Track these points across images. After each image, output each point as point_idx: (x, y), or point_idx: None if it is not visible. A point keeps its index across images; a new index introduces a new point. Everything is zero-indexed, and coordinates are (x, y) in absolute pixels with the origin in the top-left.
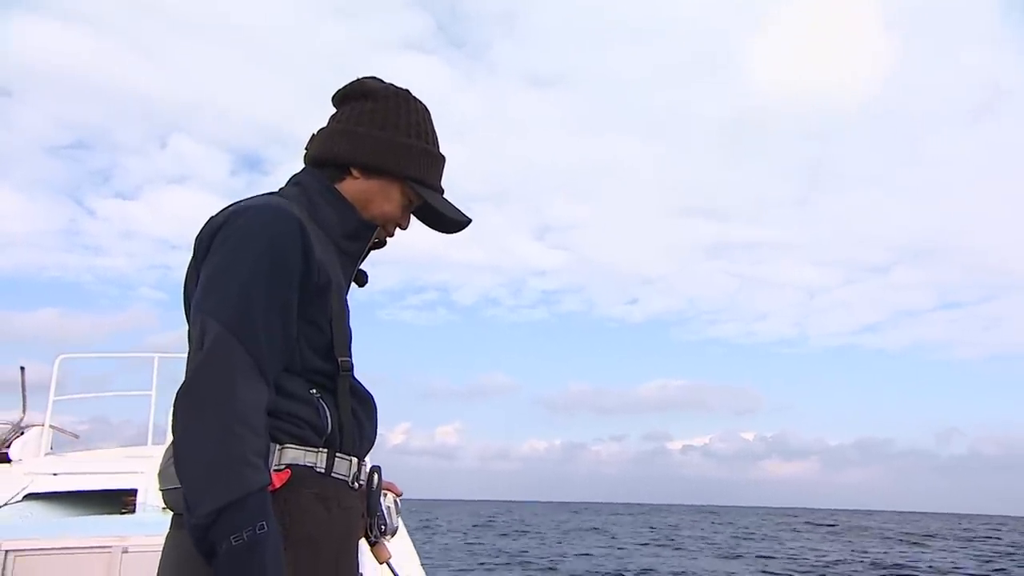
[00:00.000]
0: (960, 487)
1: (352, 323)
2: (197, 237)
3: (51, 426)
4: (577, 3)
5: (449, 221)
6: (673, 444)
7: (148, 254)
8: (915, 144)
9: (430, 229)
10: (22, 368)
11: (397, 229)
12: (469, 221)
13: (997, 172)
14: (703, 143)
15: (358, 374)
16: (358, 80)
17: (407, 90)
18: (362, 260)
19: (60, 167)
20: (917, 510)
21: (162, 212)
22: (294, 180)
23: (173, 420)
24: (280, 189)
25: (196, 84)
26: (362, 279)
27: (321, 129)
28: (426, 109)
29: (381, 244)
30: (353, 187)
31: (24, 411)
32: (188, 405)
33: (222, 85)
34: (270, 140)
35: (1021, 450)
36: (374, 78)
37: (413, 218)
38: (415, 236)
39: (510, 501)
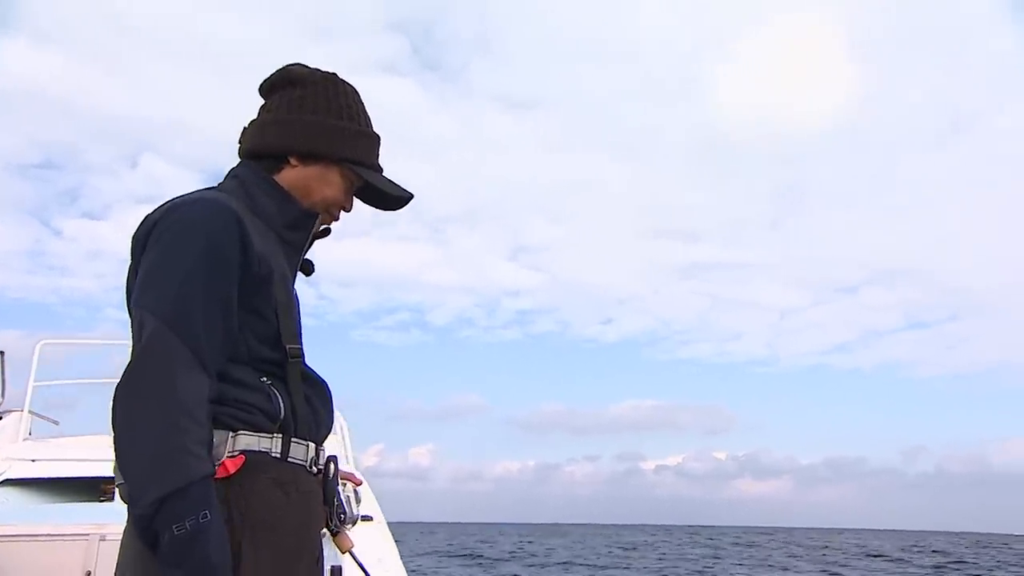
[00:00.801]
0: (928, 505)
1: (325, 344)
2: (133, 236)
3: (30, 412)
4: (550, 26)
5: (391, 198)
6: (646, 464)
7: (116, 274)
8: (883, 167)
9: (374, 208)
10: (1, 353)
11: (342, 212)
12: (411, 196)
13: (962, 195)
14: (676, 164)
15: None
16: (284, 68)
17: (334, 73)
18: (307, 250)
19: (27, 187)
20: (887, 528)
21: (131, 232)
22: (232, 173)
23: (113, 413)
24: (219, 184)
25: (168, 104)
26: (308, 268)
27: (252, 121)
28: (355, 91)
29: (326, 232)
30: (292, 175)
31: (3, 396)
32: (127, 398)
33: (194, 105)
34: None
35: (985, 467)
36: (300, 64)
37: (358, 201)
38: (390, 259)
39: (484, 523)
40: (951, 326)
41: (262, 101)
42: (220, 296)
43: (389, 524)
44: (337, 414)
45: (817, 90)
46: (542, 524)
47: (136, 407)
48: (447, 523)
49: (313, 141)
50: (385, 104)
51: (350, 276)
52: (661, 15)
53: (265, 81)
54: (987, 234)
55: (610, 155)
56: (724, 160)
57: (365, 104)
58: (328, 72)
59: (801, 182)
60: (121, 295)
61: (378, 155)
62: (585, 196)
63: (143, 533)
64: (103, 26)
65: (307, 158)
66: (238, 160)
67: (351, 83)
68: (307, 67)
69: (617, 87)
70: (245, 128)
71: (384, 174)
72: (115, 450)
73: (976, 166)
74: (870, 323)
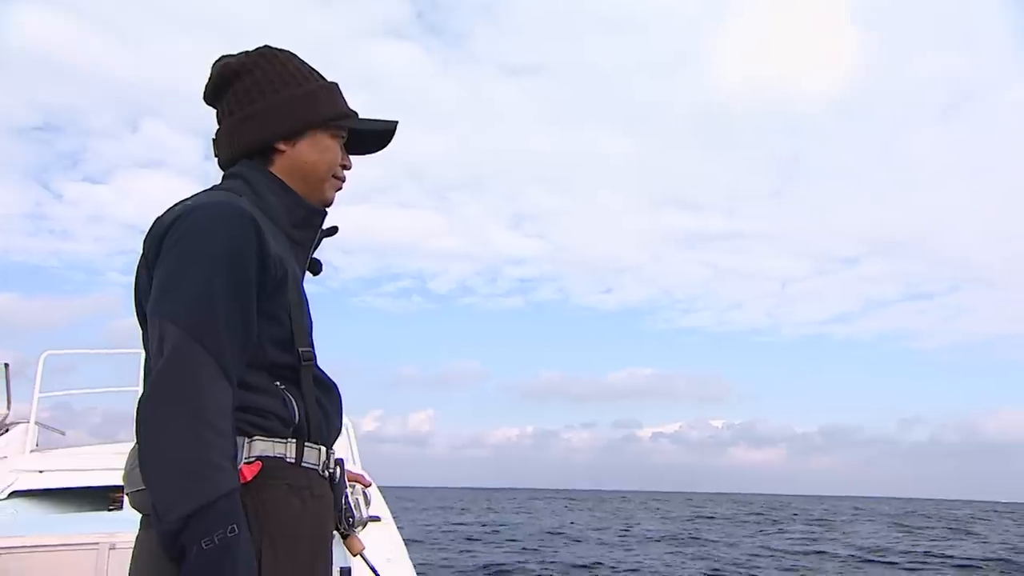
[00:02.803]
0: (919, 473)
1: (324, 310)
2: (147, 237)
3: (36, 423)
4: None
5: (379, 134)
6: (643, 431)
7: (116, 239)
8: (885, 140)
9: (367, 155)
10: (6, 365)
11: (345, 172)
12: (395, 124)
13: (963, 170)
14: (678, 135)
15: (327, 360)
16: (214, 70)
17: (265, 46)
18: (315, 248)
19: (27, 149)
20: (880, 495)
21: (132, 196)
22: (232, 174)
23: (138, 426)
24: (221, 184)
25: (171, 70)
26: (316, 267)
27: (219, 130)
28: (293, 54)
29: (333, 231)
30: (288, 160)
31: (9, 407)
32: (154, 411)
33: (196, 71)
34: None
35: (978, 436)
36: (227, 56)
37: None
38: (393, 226)
39: (482, 488)
40: (951, 297)
41: (213, 109)
42: (241, 302)
43: (388, 488)
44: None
45: (819, 61)
46: (541, 489)
47: (163, 420)
48: (447, 488)
49: (288, 119)
50: (391, 69)
51: (353, 243)
52: None
53: (207, 88)
54: (988, 207)
55: (613, 125)
56: (726, 131)
57: (307, 61)
58: (259, 48)
59: (803, 153)
60: (123, 260)
61: (346, 100)
62: (588, 166)
63: (169, 548)
64: None
65: (293, 135)
66: (221, 172)
67: (285, 49)
68: (235, 56)
69: (620, 58)
70: (215, 140)
71: (359, 112)
72: (141, 463)
73: (979, 140)
74: (870, 294)
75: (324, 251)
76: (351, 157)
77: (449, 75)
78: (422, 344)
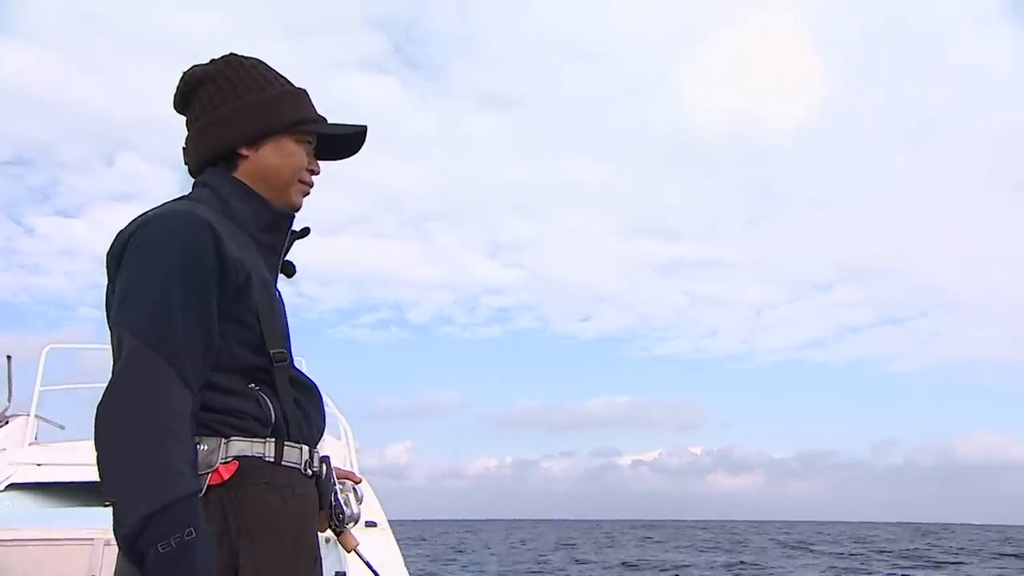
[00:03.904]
0: (894, 497)
1: (301, 342)
2: (108, 252)
3: (36, 416)
4: (531, 25)
5: (349, 139)
6: (622, 459)
7: (89, 273)
8: (855, 168)
9: (338, 160)
10: (8, 357)
11: (313, 177)
12: (364, 128)
13: (934, 197)
14: (654, 164)
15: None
16: (184, 76)
17: (231, 53)
18: (286, 251)
19: None
20: (855, 520)
21: (106, 230)
22: (200, 182)
23: (96, 434)
24: (188, 194)
25: (145, 102)
26: (289, 270)
27: (187, 138)
28: (259, 60)
29: (305, 233)
30: (251, 166)
31: (9, 400)
32: (110, 417)
33: (171, 103)
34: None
35: (950, 460)
36: (195, 66)
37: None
38: (370, 257)
39: (461, 520)
40: (922, 322)
41: (183, 118)
42: (198, 309)
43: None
44: (342, 418)
45: (787, 90)
46: (519, 520)
47: (119, 426)
48: (425, 521)
49: (250, 125)
50: (367, 102)
51: (329, 274)
52: (636, 15)
53: (175, 96)
54: (956, 233)
55: (590, 154)
56: (700, 160)
57: (274, 68)
58: (224, 56)
59: (774, 182)
60: (97, 294)
61: (313, 106)
62: (565, 195)
63: (128, 552)
64: (79, 23)
65: (254, 141)
66: (191, 181)
67: (251, 56)
68: (202, 64)
69: (596, 87)
70: (183, 148)
71: (330, 122)
72: (99, 470)
73: (946, 168)
74: (844, 319)
75: (300, 283)
76: (325, 163)
77: (427, 108)
78: (400, 375)
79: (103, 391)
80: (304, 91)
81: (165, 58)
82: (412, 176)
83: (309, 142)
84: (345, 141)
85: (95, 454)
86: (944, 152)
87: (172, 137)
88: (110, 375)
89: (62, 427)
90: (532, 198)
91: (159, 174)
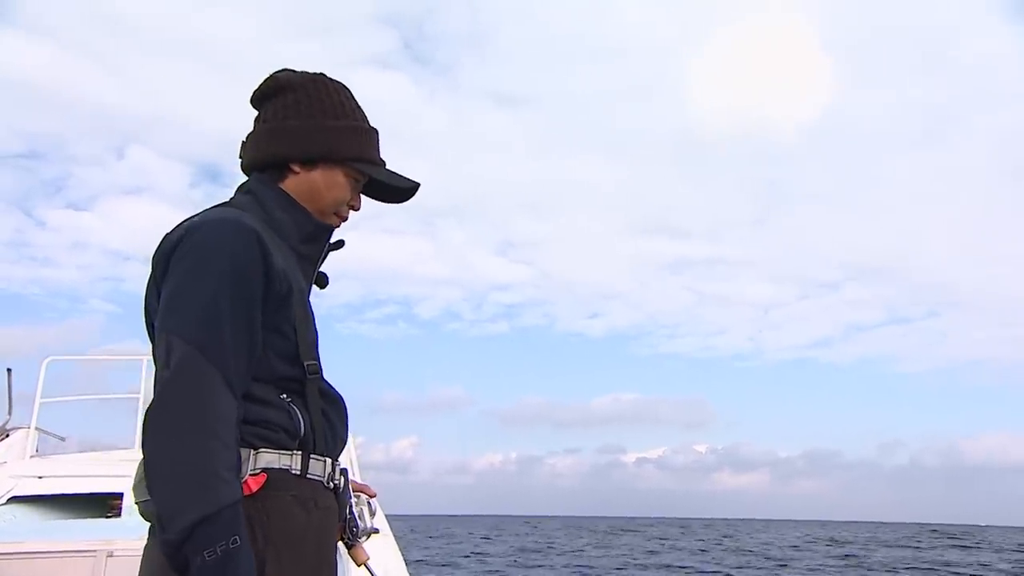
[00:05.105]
0: (900, 497)
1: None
2: (155, 254)
3: (37, 428)
4: (540, 23)
5: (398, 190)
6: (627, 457)
7: (100, 266)
8: (862, 166)
9: (384, 203)
10: (9, 370)
11: (351, 212)
12: (417, 185)
13: (941, 195)
14: (663, 162)
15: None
16: (271, 76)
17: (321, 73)
18: (321, 262)
19: (9, 177)
20: (861, 520)
21: (116, 223)
22: (244, 188)
23: (144, 437)
24: (231, 199)
25: (157, 97)
26: (323, 281)
27: (249, 134)
28: (344, 87)
29: (340, 244)
30: (298, 182)
31: (10, 413)
32: (159, 422)
33: (183, 98)
34: (230, 153)
35: (957, 461)
36: (287, 70)
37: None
38: (379, 252)
39: (466, 516)
40: (930, 322)
41: (255, 112)
42: (246, 317)
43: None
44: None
45: (794, 88)
46: (524, 516)
47: (168, 432)
48: (430, 516)
49: (310, 145)
50: (378, 98)
51: (339, 269)
52: (643, 14)
53: (255, 92)
54: (964, 231)
55: (598, 153)
56: (708, 158)
57: (357, 99)
58: (315, 73)
59: (781, 180)
60: (106, 286)
61: (378, 148)
62: (573, 193)
63: (172, 558)
64: (93, 19)
65: (308, 163)
66: (243, 175)
67: (339, 80)
68: (294, 71)
69: (604, 86)
70: (243, 142)
71: (388, 167)
72: (146, 474)
73: (954, 167)
74: (852, 319)
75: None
76: (370, 201)
77: (436, 104)
78: (407, 370)
79: (154, 396)
80: (375, 131)
81: (177, 55)
82: (421, 172)
83: (358, 180)
84: (395, 190)
85: (143, 458)
86: (952, 150)
87: (182, 133)
88: (153, 383)
89: (63, 439)
90: (540, 196)
91: (168, 168)
